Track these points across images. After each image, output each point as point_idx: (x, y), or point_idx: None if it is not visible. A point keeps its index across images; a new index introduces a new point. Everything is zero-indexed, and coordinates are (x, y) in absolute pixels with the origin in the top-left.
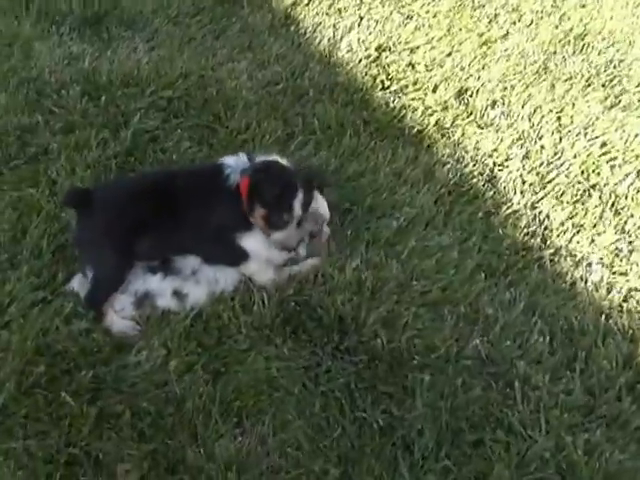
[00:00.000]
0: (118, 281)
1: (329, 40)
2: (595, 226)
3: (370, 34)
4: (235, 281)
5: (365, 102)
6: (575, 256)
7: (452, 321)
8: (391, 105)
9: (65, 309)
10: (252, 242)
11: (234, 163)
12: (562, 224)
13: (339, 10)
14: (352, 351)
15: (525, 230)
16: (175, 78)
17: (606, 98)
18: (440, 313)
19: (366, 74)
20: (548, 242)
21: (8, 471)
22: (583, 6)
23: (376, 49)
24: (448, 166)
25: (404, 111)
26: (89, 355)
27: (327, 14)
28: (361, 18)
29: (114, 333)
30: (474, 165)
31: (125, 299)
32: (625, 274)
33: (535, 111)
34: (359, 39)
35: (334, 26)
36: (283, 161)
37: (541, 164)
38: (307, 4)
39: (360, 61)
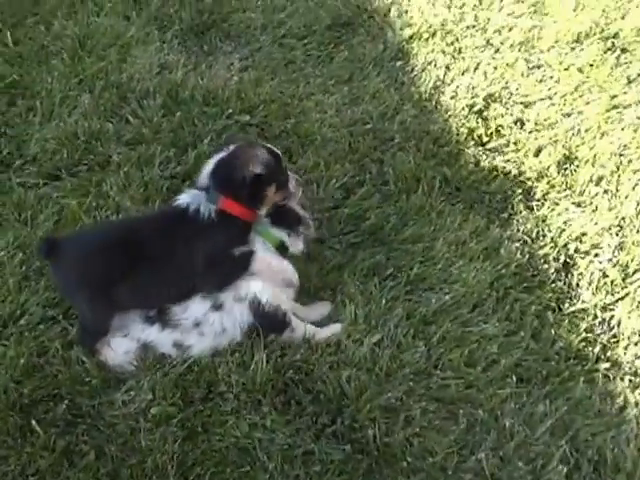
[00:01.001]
0: (101, 330)
1: (435, 82)
2: None
3: (484, 80)
4: (244, 329)
5: (452, 157)
6: (637, 376)
7: (464, 425)
8: (481, 164)
9: (69, 333)
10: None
11: (191, 198)
12: (634, 334)
13: (459, 49)
14: (340, 437)
15: (585, 335)
16: (257, 103)
17: None
18: (454, 412)
19: (463, 125)
20: (609, 353)
21: None
22: None
23: (485, 98)
24: (518, 244)
25: (493, 173)
26: (77, 384)
27: (444, 52)
28: (479, 62)
29: (111, 367)
30: (552, 248)
31: (129, 344)
32: None
33: None
34: (469, 85)
35: (447, 67)
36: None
37: (633, 259)
38: (426, 39)
39: (462, 110)
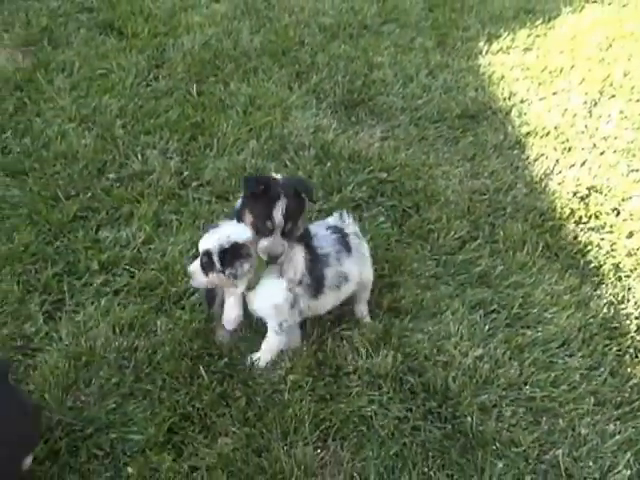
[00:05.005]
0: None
1: (546, 170)
2: None
3: (588, 175)
4: None
5: (555, 229)
6: None
7: (546, 428)
8: (579, 238)
9: None
10: None
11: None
12: None
13: (568, 148)
14: (443, 419)
15: None
16: (393, 165)
17: None
18: (537, 419)
19: (566, 206)
20: None
21: (140, 406)
22: None
23: (588, 188)
24: (605, 301)
25: (589, 247)
26: (235, 349)
27: (555, 149)
28: (585, 160)
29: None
30: (635, 309)
31: None
32: None
33: None
34: (575, 176)
35: (557, 160)
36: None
37: None
38: (541, 136)
39: (567, 194)
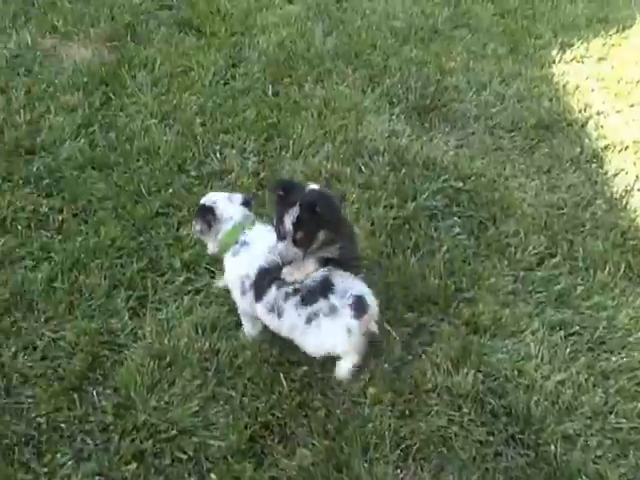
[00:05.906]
0: None
1: (626, 186)
2: None
3: None
4: None
5: (637, 250)
6: None
7: (633, 462)
8: None
9: None
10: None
11: None
12: None
13: None
14: (526, 445)
15: None
16: (469, 175)
17: None
18: (625, 452)
19: None
20: None
21: (222, 410)
22: None
23: None
24: None
25: None
26: (311, 359)
27: (634, 164)
28: None
29: None
30: None
31: None
32: None
33: None
34: None
35: (637, 176)
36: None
37: None
38: (619, 150)
39: None
